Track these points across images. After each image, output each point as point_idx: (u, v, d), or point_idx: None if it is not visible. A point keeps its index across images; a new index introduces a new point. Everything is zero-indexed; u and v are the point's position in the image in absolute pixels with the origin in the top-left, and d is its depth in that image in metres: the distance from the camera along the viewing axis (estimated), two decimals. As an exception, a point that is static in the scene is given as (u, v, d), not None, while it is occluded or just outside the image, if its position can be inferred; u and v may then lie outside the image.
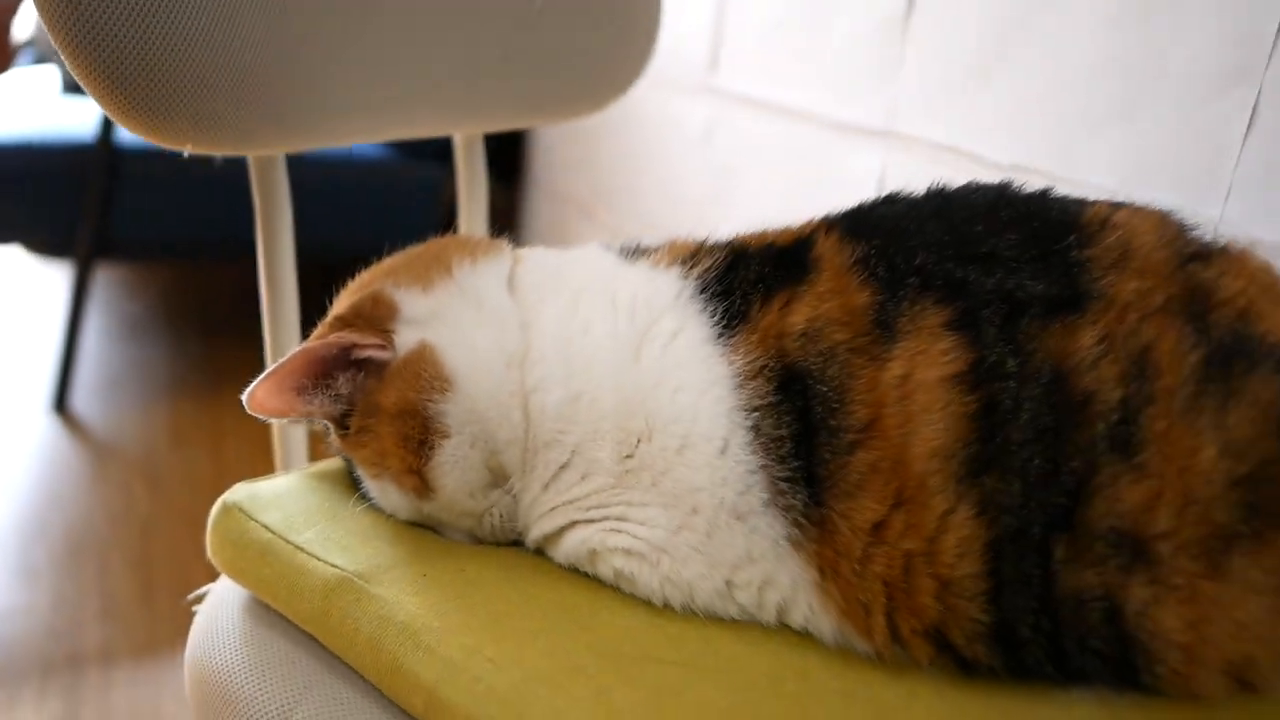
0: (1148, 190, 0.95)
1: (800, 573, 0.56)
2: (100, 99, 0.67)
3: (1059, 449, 0.52)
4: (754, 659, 0.55)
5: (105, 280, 2.72)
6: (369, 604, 0.58)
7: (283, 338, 0.88)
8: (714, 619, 0.58)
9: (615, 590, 0.60)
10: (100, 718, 1.32)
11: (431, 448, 0.61)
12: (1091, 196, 0.98)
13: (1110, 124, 0.99)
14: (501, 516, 0.64)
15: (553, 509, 0.62)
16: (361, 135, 0.87)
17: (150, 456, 1.95)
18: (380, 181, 2.11)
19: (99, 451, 1.99)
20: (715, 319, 0.60)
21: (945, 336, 0.54)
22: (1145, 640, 0.51)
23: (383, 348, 0.63)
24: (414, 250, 0.70)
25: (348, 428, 0.64)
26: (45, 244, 2.11)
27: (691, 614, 0.59)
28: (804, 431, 0.56)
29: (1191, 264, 0.56)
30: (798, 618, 0.57)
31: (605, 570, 0.61)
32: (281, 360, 0.61)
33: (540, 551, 0.64)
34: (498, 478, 0.63)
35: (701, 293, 0.62)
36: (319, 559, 0.61)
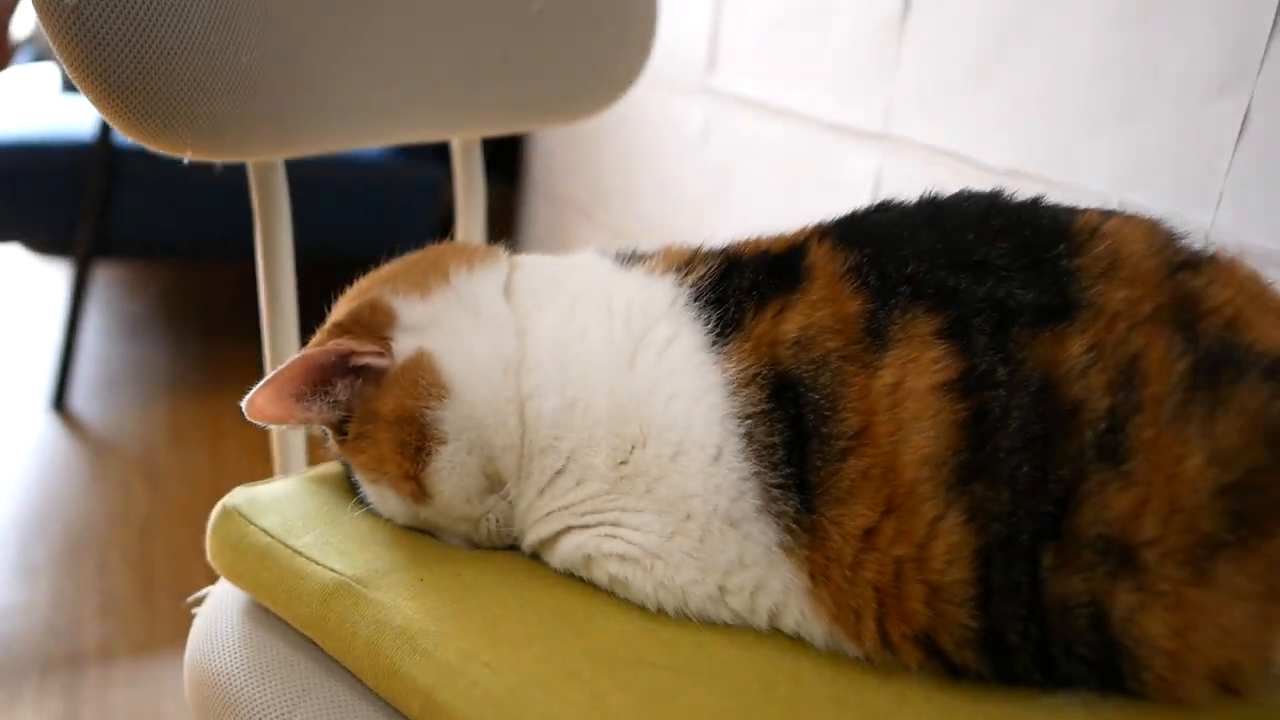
0: (1142, 194, 0.96)
1: (792, 578, 0.57)
2: (99, 105, 0.68)
3: (1048, 457, 0.52)
4: (746, 664, 0.56)
5: (105, 279, 2.72)
6: (367, 608, 0.58)
7: (281, 341, 0.89)
8: (707, 624, 0.59)
9: (610, 595, 0.61)
10: (100, 717, 1.33)
11: (429, 454, 0.62)
12: (1086, 200, 0.99)
13: (1105, 128, 0.99)
14: (498, 521, 0.65)
15: (548, 514, 0.62)
16: (360, 140, 0.88)
17: (149, 455, 1.96)
18: (379, 181, 2.11)
19: (98, 450, 1.99)
20: (709, 327, 0.61)
21: (936, 345, 0.55)
22: (1131, 646, 0.51)
23: (380, 355, 0.64)
24: (412, 257, 0.71)
25: (346, 433, 0.65)
26: (45, 243, 2.12)
27: (685, 619, 0.59)
28: (796, 439, 0.56)
29: (1180, 273, 0.56)
30: (790, 622, 0.58)
31: (600, 575, 0.61)
32: (280, 367, 0.62)
33: (536, 556, 0.65)
34: (494, 483, 0.64)
35: (696, 300, 0.63)
36: (317, 563, 0.61)
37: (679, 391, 0.60)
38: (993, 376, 0.54)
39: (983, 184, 1.11)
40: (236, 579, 0.65)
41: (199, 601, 0.71)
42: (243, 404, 0.61)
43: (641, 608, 0.60)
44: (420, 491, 0.63)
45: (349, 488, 0.69)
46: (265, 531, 0.64)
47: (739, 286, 0.62)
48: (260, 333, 0.90)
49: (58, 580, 1.58)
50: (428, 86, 0.85)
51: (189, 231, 2.03)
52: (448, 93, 0.88)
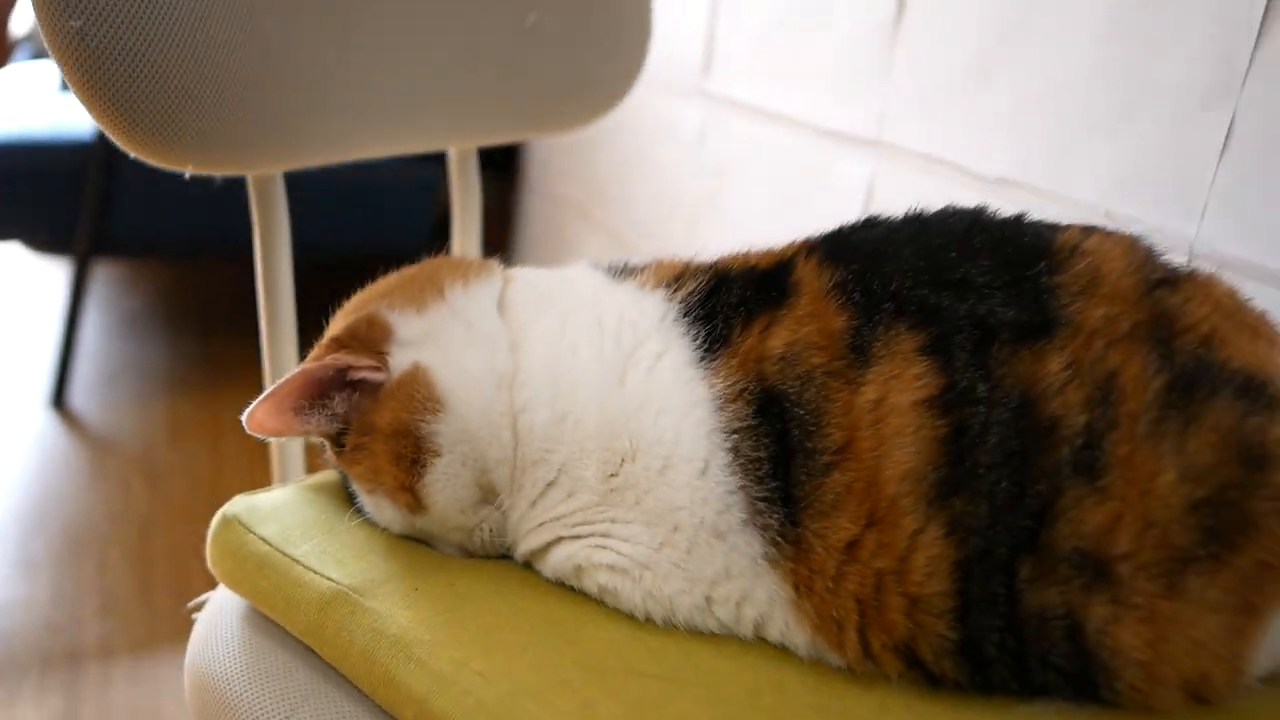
0: (1129, 205, 0.97)
1: (776, 589, 0.58)
2: (103, 123, 0.69)
3: (1025, 472, 0.53)
4: (732, 672, 0.57)
5: (104, 276, 2.72)
6: (363, 617, 0.60)
7: (280, 347, 0.90)
8: (694, 633, 0.60)
9: (600, 604, 0.62)
10: (100, 714, 1.34)
11: (424, 466, 0.63)
12: (1074, 209, 1.01)
13: (1093, 139, 1.00)
14: (491, 531, 0.66)
15: (540, 525, 0.64)
16: (357, 152, 0.89)
17: (148, 452, 1.97)
18: (376, 182, 2.12)
19: (97, 447, 2.00)
20: (698, 342, 0.62)
21: (918, 361, 0.56)
22: (1105, 657, 0.52)
23: (377, 369, 0.65)
24: (408, 272, 0.72)
25: (344, 445, 0.66)
26: (44, 242, 2.12)
27: (673, 628, 0.61)
28: (781, 453, 0.57)
29: (1158, 290, 0.57)
30: (774, 632, 0.59)
31: (590, 585, 0.62)
32: (279, 382, 0.63)
33: (529, 565, 0.66)
34: (488, 494, 0.65)
35: (685, 316, 0.64)
36: (315, 572, 0.63)
37: (668, 406, 0.61)
38: (973, 393, 0.55)
39: (973, 191, 1.13)
40: (236, 586, 0.67)
41: (199, 607, 0.73)
42: (243, 417, 0.63)
43: (630, 617, 0.61)
44: (416, 502, 0.64)
45: (346, 497, 0.71)
46: (264, 540, 0.65)
47: (727, 302, 0.63)
48: (259, 330, 0.91)
49: (57, 577, 1.59)
50: (424, 99, 0.87)
51: (188, 231, 2.03)
52: (444, 105, 0.89)
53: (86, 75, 0.65)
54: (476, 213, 1.09)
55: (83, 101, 0.67)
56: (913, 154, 1.23)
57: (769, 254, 0.67)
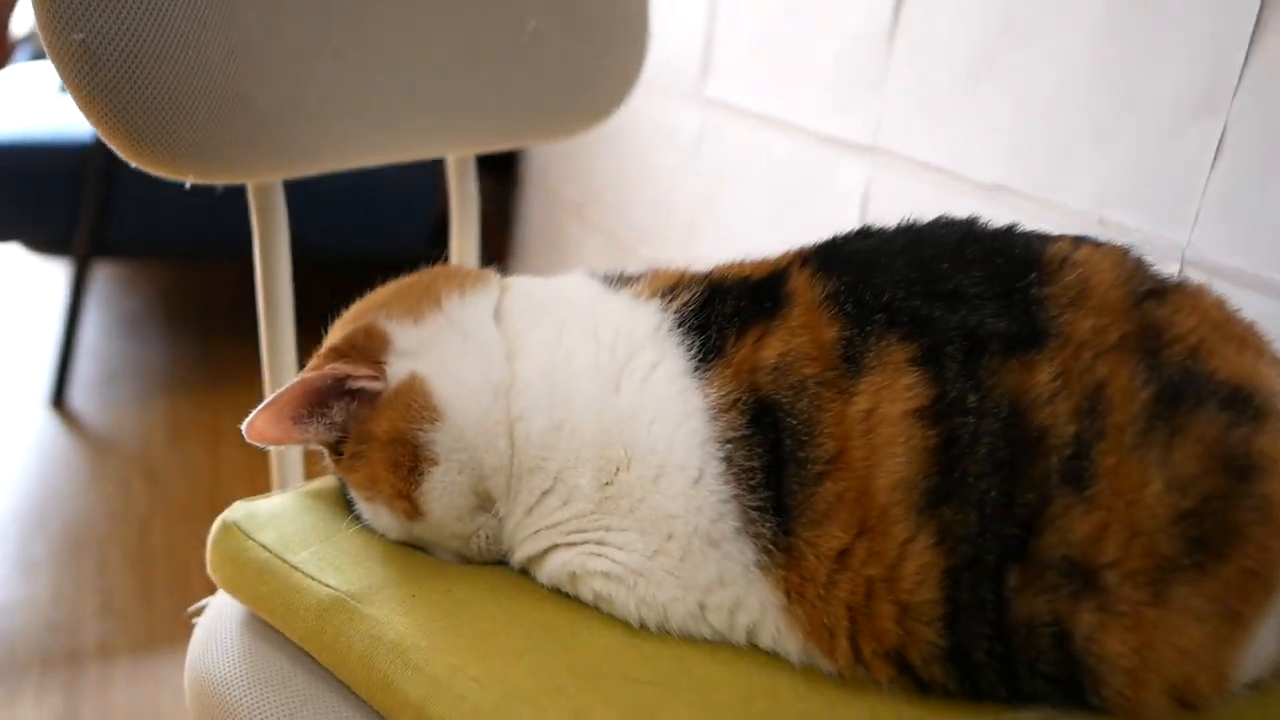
0: (1122, 213, 0.98)
1: (769, 597, 0.59)
2: (105, 134, 0.70)
3: (1014, 482, 0.54)
4: (725, 678, 0.58)
5: (104, 276, 2.72)
6: (361, 623, 0.60)
7: (279, 352, 0.91)
8: (687, 639, 0.61)
9: (595, 611, 0.63)
10: (100, 714, 1.34)
11: (421, 474, 0.64)
12: (1068, 216, 1.01)
13: (1087, 147, 1.01)
14: (488, 538, 0.67)
15: (536, 532, 0.64)
16: (357, 160, 0.90)
17: (148, 452, 1.97)
18: (376, 183, 2.11)
19: (97, 447, 2.01)
20: (692, 353, 0.63)
21: (909, 372, 0.57)
22: (1092, 664, 0.53)
23: (375, 378, 0.66)
24: (406, 281, 0.73)
25: (342, 453, 0.67)
26: (44, 243, 2.13)
27: (666, 634, 0.61)
28: (774, 463, 0.58)
29: (1147, 301, 0.57)
30: (766, 639, 0.60)
31: (585, 592, 0.63)
32: (279, 391, 0.64)
33: (525, 571, 0.67)
34: (484, 502, 0.66)
35: (679, 326, 0.64)
36: (314, 579, 0.63)
37: (662, 416, 0.62)
38: (963, 403, 0.55)
39: (969, 198, 1.14)
40: (236, 592, 0.68)
41: (199, 611, 0.73)
42: (242, 426, 0.64)
43: (625, 623, 0.62)
44: (413, 509, 0.65)
45: (345, 503, 0.71)
46: (264, 547, 0.66)
47: (721, 313, 0.63)
48: (259, 331, 0.92)
49: (57, 577, 1.60)
50: (423, 107, 0.88)
51: (188, 232, 2.04)
52: (443, 113, 0.90)
53: (89, 87, 0.66)
54: (474, 217, 1.10)
55: (84, 112, 0.68)
56: (908, 160, 1.24)
57: (763, 264, 0.68)
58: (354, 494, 0.69)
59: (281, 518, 0.69)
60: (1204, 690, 0.54)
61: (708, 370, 0.62)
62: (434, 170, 2.06)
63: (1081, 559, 0.53)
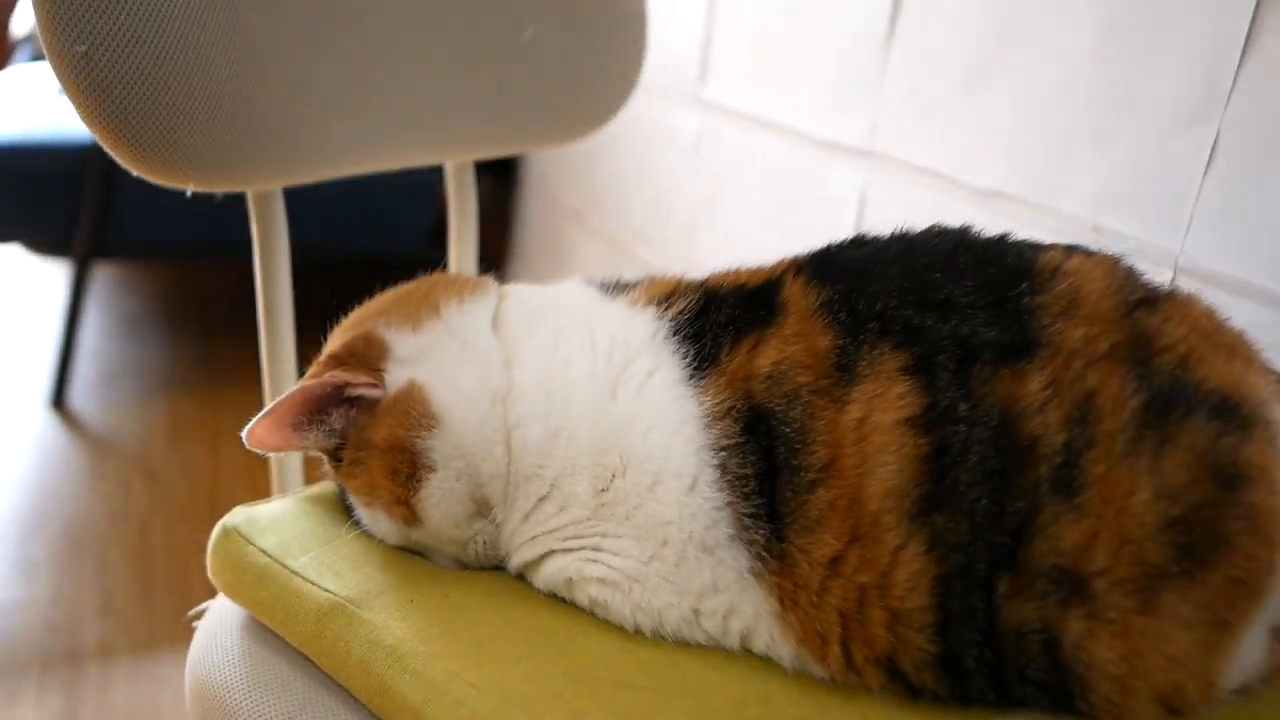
0: (1116, 219, 0.98)
1: (762, 603, 0.59)
2: (108, 144, 0.71)
3: (1005, 490, 0.54)
4: (719, 684, 0.59)
5: (104, 277, 2.73)
6: (359, 628, 0.61)
7: (279, 357, 0.91)
8: (682, 645, 0.62)
9: (591, 616, 0.64)
10: (100, 714, 1.35)
11: (419, 480, 0.65)
12: (1062, 223, 1.02)
13: (1081, 154, 1.02)
14: (485, 544, 0.67)
15: (533, 538, 0.65)
16: (357, 167, 0.90)
17: (148, 452, 1.98)
18: (376, 184, 2.12)
19: (97, 447, 2.01)
20: (687, 361, 0.63)
21: (901, 381, 0.57)
22: (1081, 671, 0.54)
23: (374, 386, 0.66)
24: (404, 289, 0.73)
25: (341, 459, 0.68)
26: (44, 244, 2.13)
27: (661, 640, 0.62)
28: (768, 470, 0.59)
29: (1137, 310, 0.58)
30: (760, 644, 0.61)
31: (581, 597, 0.64)
32: (279, 399, 0.65)
33: (522, 576, 0.67)
34: (482, 508, 0.66)
35: (675, 334, 0.65)
36: (313, 583, 0.64)
37: (657, 423, 0.62)
38: (954, 412, 0.56)
39: (965, 203, 1.14)
40: (236, 597, 0.68)
41: (200, 615, 0.74)
42: (243, 434, 0.64)
43: (620, 628, 0.63)
44: (411, 515, 0.66)
45: (344, 509, 0.72)
46: (264, 552, 0.67)
47: (716, 321, 0.64)
48: (259, 331, 0.93)
49: (57, 577, 1.60)
50: (423, 115, 0.88)
51: (187, 234, 2.04)
52: (442, 120, 0.90)
53: (91, 98, 0.67)
54: (473, 222, 1.10)
55: (86, 122, 0.69)
56: (905, 165, 1.24)
57: (759, 272, 0.68)
58: (353, 500, 0.69)
59: (281, 523, 0.70)
60: (1191, 697, 0.54)
61: (703, 378, 0.62)
62: (433, 171, 2.07)
63: (1071, 566, 0.54)
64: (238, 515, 0.71)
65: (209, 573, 0.70)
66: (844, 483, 0.57)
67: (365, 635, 0.60)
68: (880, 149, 1.28)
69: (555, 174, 2.28)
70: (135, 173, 0.72)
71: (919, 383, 0.57)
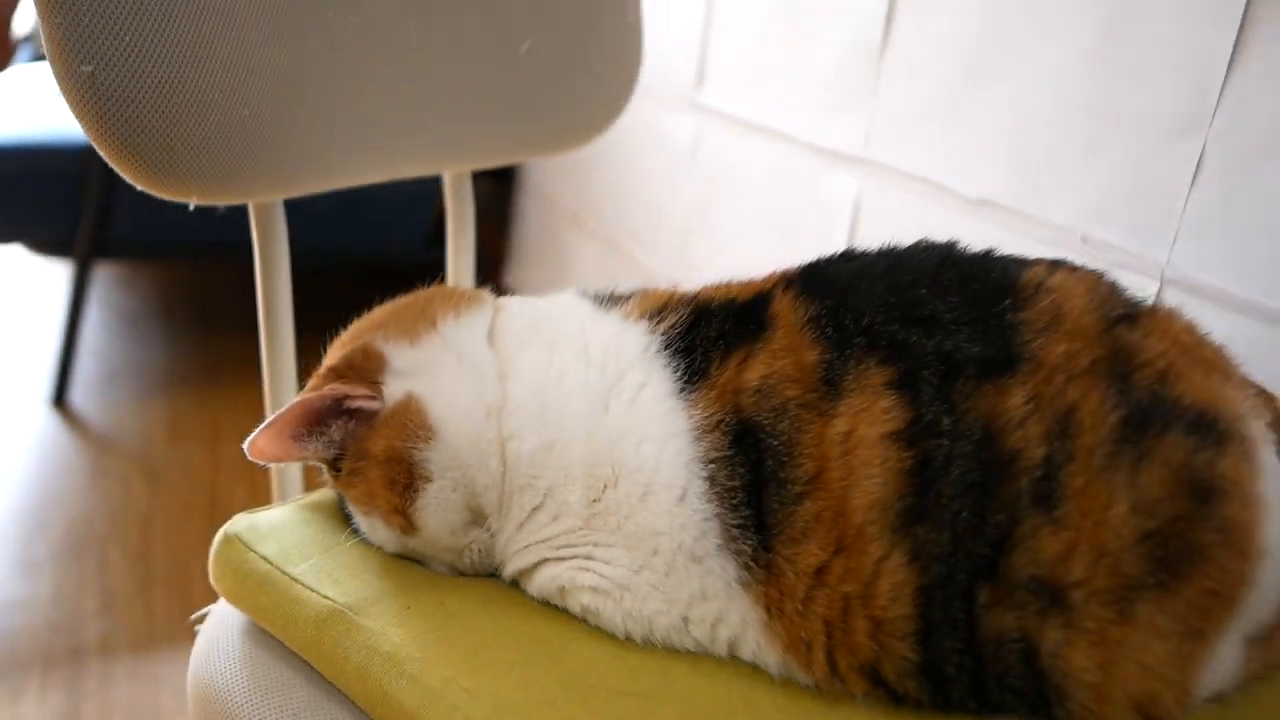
0: (1103, 230, 1.00)
1: (749, 611, 0.61)
2: (113, 161, 0.73)
3: (986, 503, 0.56)
4: (707, 690, 0.60)
5: (105, 276, 2.72)
6: (357, 634, 0.62)
7: (279, 361, 0.93)
8: (672, 652, 0.63)
9: (583, 623, 0.65)
10: (101, 712, 1.36)
11: (416, 490, 0.66)
12: (1051, 233, 1.03)
13: (1070, 165, 1.03)
14: (480, 552, 0.68)
15: (526, 547, 0.66)
16: (356, 178, 0.92)
17: (148, 451, 1.99)
18: (375, 188, 2.13)
19: (98, 446, 2.02)
20: (678, 374, 0.64)
21: (887, 395, 0.58)
22: (1059, 679, 0.55)
23: (372, 398, 0.68)
24: (402, 302, 0.75)
25: (340, 469, 0.69)
26: (46, 244, 2.14)
27: (651, 647, 0.63)
28: (755, 482, 0.60)
29: (1118, 326, 0.59)
30: (747, 652, 0.62)
31: (574, 605, 0.65)
32: (280, 411, 0.66)
33: (516, 584, 0.69)
34: (477, 517, 0.68)
35: (666, 348, 0.66)
36: (313, 590, 0.66)
37: (649, 436, 0.63)
38: (938, 426, 0.57)
39: (957, 212, 1.15)
40: (237, 602, 0.70)
41: (201, 619, 0.76)
42: (245, 445, 0.66)
43: (611, 636, 0.64)
44: (408, 524, 0.67)
45: (343, 516, 0.73)
46: (264, 559, 0.68)
47: (706, 336, 0.65)
48: (259, 332, 0.94)
49: (59, 575, 1.61)
50: (422, 127, 0.90)
51: (188, 234, 2.04)
52: (441, 132, 0.92)
53: (97, 117, 0.68)
54: (470, 230, 1.11)
55: (92, 140, 0.70)
56: (898, 172, 1.25)
57: (749, 285, 0.69)
58: (352, 508, 0.71)
59: (282, 530, 0.71)
60: (1167, 704, 0.56)
61: (693, 392, 0.64)
62: (431, 178, 2.08)
63: (1049, 578, 0.55)
64: (239, 522, 0.72)
65: (211, 578, 0.71)
66: (829, 495, 0.58)
67: (363, 641, 0.62)
68: (874, 156, 1.29)
69: (553, 177, 2.29)
70: (140, 187, 0.74)
71: (904, 397, 0.58)
